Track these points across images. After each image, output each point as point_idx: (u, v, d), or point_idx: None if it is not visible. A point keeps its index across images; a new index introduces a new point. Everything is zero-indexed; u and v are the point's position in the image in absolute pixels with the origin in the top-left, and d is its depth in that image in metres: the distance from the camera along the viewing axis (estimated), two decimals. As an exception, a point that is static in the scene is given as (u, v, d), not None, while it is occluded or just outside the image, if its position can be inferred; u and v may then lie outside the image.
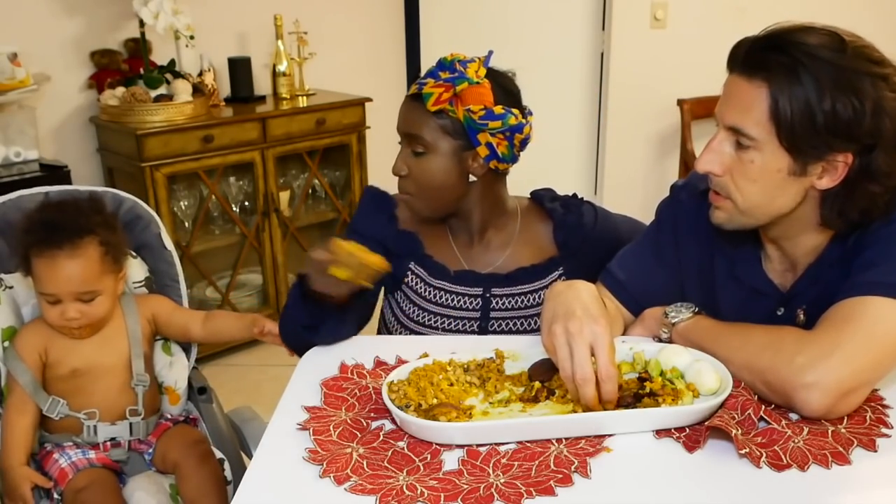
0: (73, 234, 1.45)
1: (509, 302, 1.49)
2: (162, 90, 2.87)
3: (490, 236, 1.51)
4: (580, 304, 1.09)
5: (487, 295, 1.48)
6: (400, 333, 1.53)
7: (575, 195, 1.58)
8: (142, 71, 2.90)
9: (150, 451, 1.56)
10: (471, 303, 1.48)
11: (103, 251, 1.48)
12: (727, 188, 1.15)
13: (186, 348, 1.74)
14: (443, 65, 1.40)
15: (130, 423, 1.53)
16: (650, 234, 1.40)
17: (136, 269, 1.68)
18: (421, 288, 1.50)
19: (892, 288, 1.08)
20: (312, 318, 1.31)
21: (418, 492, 0.94)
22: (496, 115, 1.36)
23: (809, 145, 1.08)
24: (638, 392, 1.11)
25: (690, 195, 1.35)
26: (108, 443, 1.53)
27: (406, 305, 1.51)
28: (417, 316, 1.50)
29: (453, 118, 1.38)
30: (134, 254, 1.68)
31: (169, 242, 1.71)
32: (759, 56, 1.09)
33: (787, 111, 1.06)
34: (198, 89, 2.97)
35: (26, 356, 1.49)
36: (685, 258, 1.35)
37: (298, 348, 1.37)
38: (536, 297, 1.49)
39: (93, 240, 1.46)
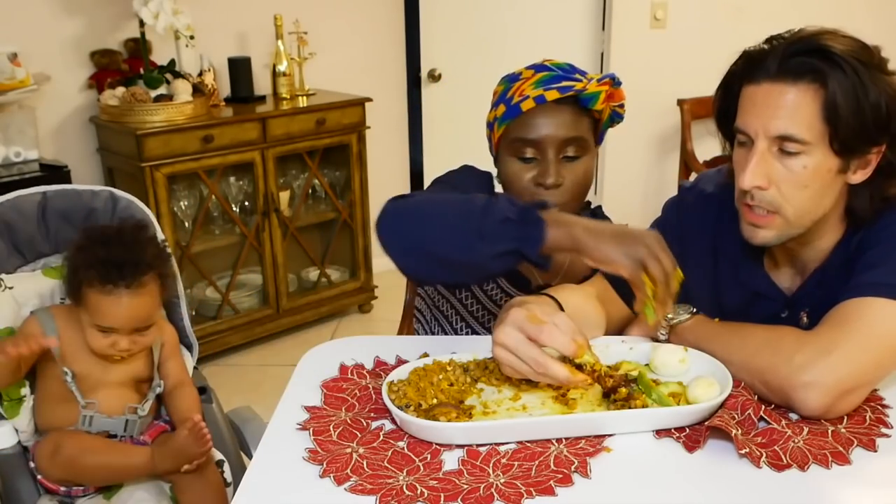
0: (136, 272, 1.43)
1: None
2: (162, 90, 2.87)
3: None
4: (510, 317, 1.06)
5: None
6: (443, 328, 1.50)
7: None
8: (142, 71, 2.90)
9: (149, 452, 1.55)
10: None
11: (160, 284, 1.49)
12: (775, 202, 1.14)
13: (189, 346, 1.73)
14: (565, 69, 1.35)
15: (127, 420, 1.52)
16: None
17: None
18: (498, 296, 1.47)
19: (893, 289, 1.09)
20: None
21: (418, 492, 0.94)
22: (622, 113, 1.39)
23: (858, 141, 1.09)
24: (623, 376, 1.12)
25: (697, 198, 1.35)
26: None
27: (474, 307, 1.47)
28: (488, 322, 1.46)
29: (594, 118, 1.36)
30: None
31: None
32: (798, 61, 1.08)
33: (840, 109, 1.07)
34: (198, 89, 2.97)
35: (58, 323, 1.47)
36: (689, 260, 1.34)
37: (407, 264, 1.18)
38: None
39: (153, 276, 1.47)
